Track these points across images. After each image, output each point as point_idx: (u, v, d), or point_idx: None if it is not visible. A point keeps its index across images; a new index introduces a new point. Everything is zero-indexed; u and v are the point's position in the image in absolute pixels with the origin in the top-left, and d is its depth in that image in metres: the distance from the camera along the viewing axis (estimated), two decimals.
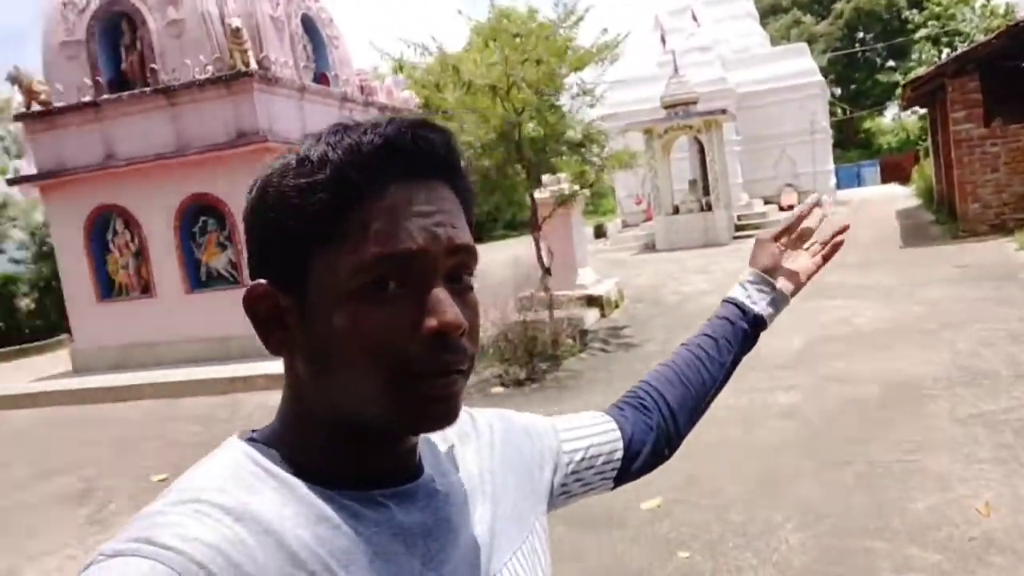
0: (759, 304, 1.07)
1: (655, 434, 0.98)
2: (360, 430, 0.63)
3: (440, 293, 0.60)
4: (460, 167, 0.67)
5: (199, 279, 10.63)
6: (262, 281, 0.63)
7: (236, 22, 9.61)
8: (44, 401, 9.86)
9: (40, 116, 10.70)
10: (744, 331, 1.06)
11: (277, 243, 0.62)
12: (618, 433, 0.95)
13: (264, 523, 0.56)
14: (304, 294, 0.61)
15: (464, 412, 0.79)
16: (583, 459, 0.91)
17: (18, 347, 16.28)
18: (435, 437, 0.75)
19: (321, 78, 11.62)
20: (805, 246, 1.12)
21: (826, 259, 1.12)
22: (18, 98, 10.91)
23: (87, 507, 5.60)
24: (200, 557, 0.53)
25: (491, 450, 0.80)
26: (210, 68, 9.82)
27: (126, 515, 4.98)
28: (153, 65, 10.17)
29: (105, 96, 10.35)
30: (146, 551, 0.52)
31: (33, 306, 18.71)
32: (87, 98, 10.38)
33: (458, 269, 0.63)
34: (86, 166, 10.53)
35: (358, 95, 12.11)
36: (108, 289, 11.06)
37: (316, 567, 0.57)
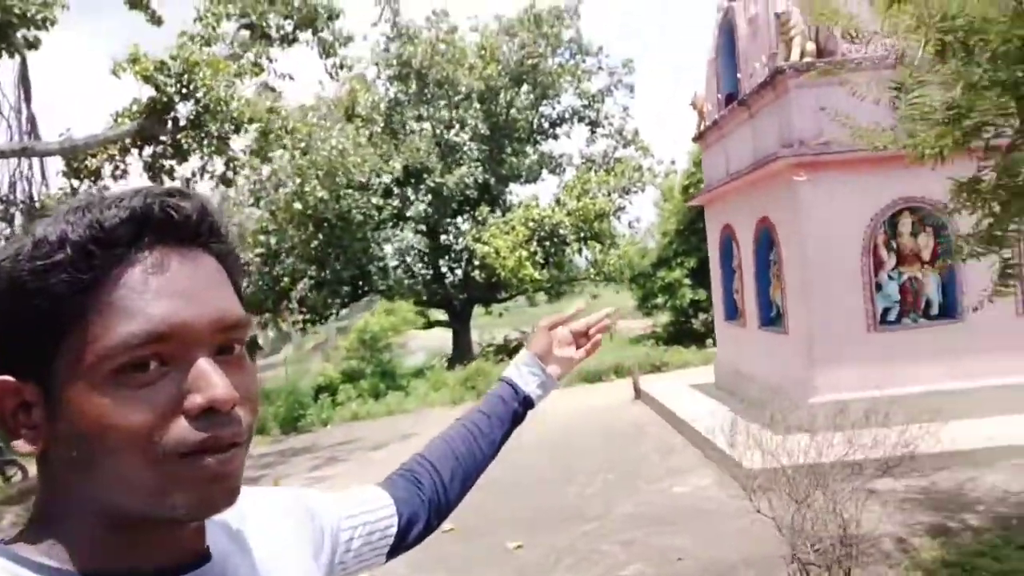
0: (530, 385, 1.16)
1: (427, 508, 1.00)
2: (134, 520, 0.58)
3: (205, 365, 0.57)
4: (221, 232, 0.63)
5: (769, 314, 9.13)
6: (6, 377, 0.56)
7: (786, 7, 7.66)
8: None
9: (699, 137, 11.08)
10: (515, 411, 1.14)
11: (17, 333, 0.56)
12: (394, 509, 0.95)
13: None
14: (53, 384, 0.56)
15: (253, 490, 0.76)
16: (361, 536, 0.90)
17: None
18: (228, 515, 0.67)
19: None
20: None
21: (588, 353, 1.22)
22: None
23: None
24: None
25: (278, 531, 0.76)
26: (766, 69, 8.15)
27: None
28: (738, 75, 9.11)
29: (722, 112, 9.90)
30: None
31: None
32: (716, 116, 10.16)
33: (228, 342, 0.60)
34: (716, 182, 10.37)
35: None
36: (733, 311, 10.65)
37: None
